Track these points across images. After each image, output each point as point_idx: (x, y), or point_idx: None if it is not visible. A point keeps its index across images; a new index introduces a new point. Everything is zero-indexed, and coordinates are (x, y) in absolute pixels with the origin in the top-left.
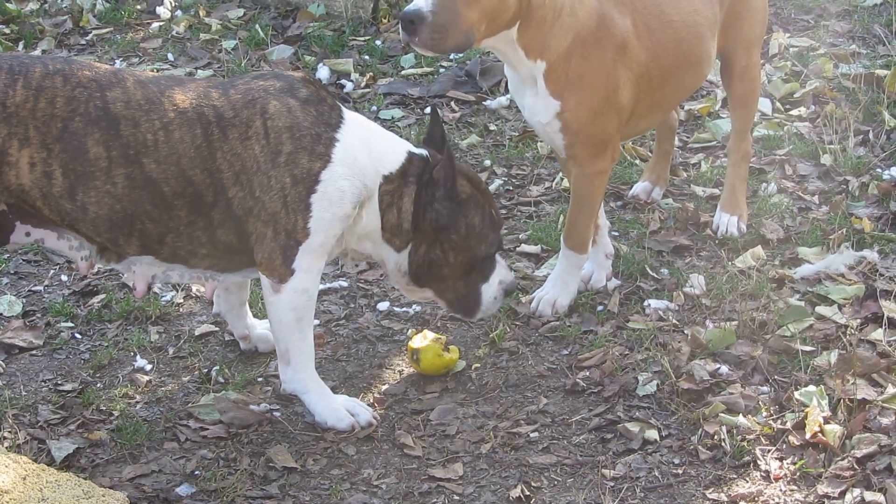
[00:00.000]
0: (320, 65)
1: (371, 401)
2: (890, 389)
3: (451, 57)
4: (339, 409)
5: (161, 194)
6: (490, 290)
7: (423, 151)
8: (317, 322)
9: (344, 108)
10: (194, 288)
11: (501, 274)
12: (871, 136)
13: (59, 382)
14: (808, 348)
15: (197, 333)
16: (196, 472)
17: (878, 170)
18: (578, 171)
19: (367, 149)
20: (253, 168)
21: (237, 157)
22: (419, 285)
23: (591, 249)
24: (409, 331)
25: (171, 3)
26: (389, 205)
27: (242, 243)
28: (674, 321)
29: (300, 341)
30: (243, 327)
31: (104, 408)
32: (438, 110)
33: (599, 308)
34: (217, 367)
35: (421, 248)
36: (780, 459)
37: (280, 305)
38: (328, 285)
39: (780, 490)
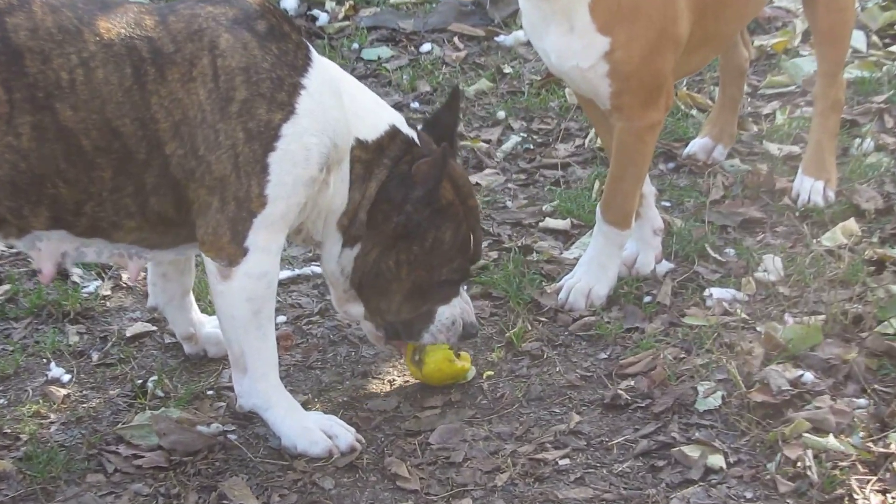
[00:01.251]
0: None
1: (354, 419)
2: None
3: None
4: (311, 430)
5: (79, 149)
6: (448, 311)
7: (412, 132)
8: (282, 319)
9: (312, 49)
10: (125, 276)
11: (462, 309)
12: None
13: None
14: None
15: (129, 334)
16: None
17: None
18: (625, 125)
19: (340, 101)
20: (197, 119)
21: (177, 103)
22: (358, 296)
23: (636, 224)
24: None
25: None
26: (360, 179)
27: (181, 214)
28: (743, 315)
29: (259, 342)
30: (187, 324)
31: (9, 430)
32: (441, 45)
33: (647, 299)
34: (155, 378)
35: (372, 252)
36: (883, 493)
37: (231, 296)
38: (296, 271)
39: None
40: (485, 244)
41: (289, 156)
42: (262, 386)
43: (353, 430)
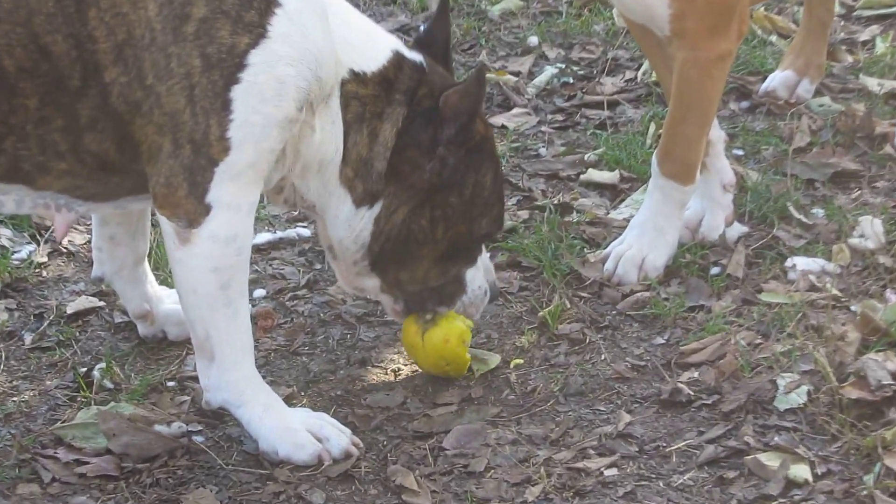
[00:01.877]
0: None
1: (349, 418)
2: None
3: None
4: (296, 432)
5: None
6: (478, 276)
7: (418, 56)
8: (260, 293)
9: None
10: (66, 240)
11: (485, 262)
12: None
13: None
14: None
15: (70, 311)
16: None
17: None
18: (688, 55)
19: (326, 25)
20: (144, 40)
21: (121, 19)
22: (374, 268)
23: (701, 177)
24: None
25: None
26: (359, 120)
27: (124, 158)
28: (834, 291)
29: (228, 323)
30: (141, 300)
31: None
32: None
33: (714, 271)
34: (102, 366)
35: (399, 212)
36: None
37: (192, 265)
38: (278, 234)
39: None
40: (514, 201)
41: (256, 90)
42: (233, 377)
43: (348, 431)
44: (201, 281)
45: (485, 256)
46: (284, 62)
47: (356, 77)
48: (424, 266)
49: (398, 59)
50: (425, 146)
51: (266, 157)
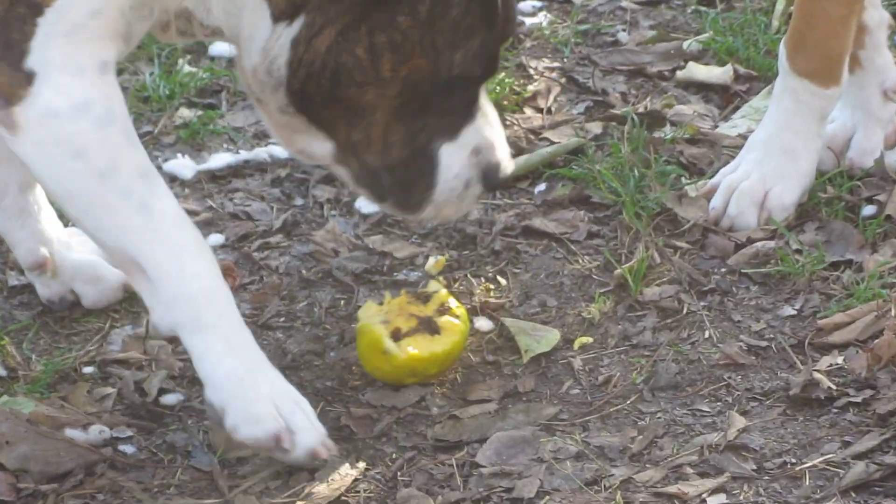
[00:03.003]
0: None
1: (343, 420)
2: None
3: None
4: (259, 400)
5: None
6: (456, 160)
7: None
8: (217, 239)
9: None
10: None
11: (480, 135)
12: None
13: None
14: None
15: None
16: None
17: None
18: None
19: None
20: None
21: None
22: (302, 111)
23: (851, 78)
24: (429, 260)
25: None
26: None
27: None
28: None
29: (140, 219)
30: (34, 242)
31: None
32: None
33: (868, 211)
34: None
35: (324, 32)
36: None
37: (43, 157)
38: (241, 155)
39: None
40: (580, 108)
41: None
42: (185, 288)
43: (322, 430)
44: (68, 176)
45: (486, 113)
46: None
47: None
48: (378, 121)
49: None
50: None
51: (116, 3)
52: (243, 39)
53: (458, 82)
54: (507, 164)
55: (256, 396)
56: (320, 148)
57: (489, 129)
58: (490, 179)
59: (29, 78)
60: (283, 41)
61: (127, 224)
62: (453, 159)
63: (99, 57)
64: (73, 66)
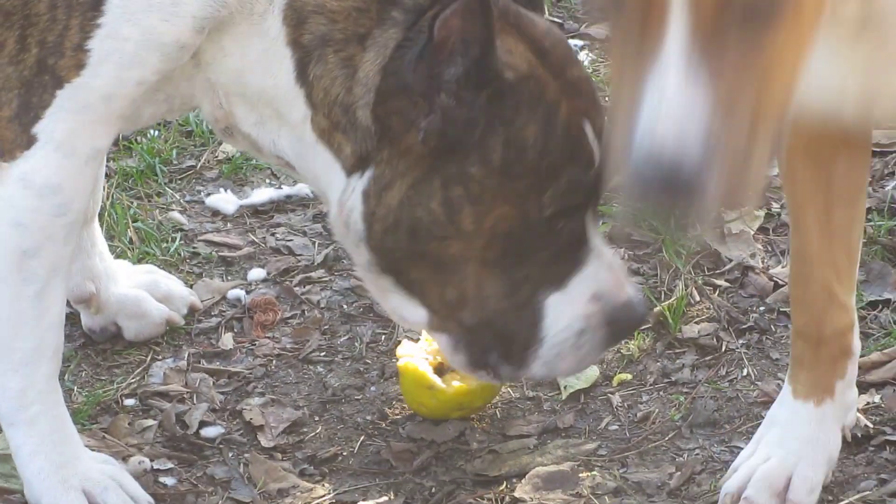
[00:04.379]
0: None
1: (383, 454)
2: None
3: None
4: (67, 490)
5: None
6: (568, 311)
7: None
8: (258, 274)
9: None
10: None
11: (599, 275)
12: None
13: None
14: None
15: None
16: None
17: None
18: None
19: None
20: None
21: None
22: (388, 272)
23: None
24: None
25: None
26: (322, 43)
27: None
28: None
29: (24, 305)
30: (84, 277)
31: None
32: None
33: None
34: None
35: (393, 188)
36: None
37: None
38: (284, 190)
39: None
40: None
41: None
42: (16, 383)
43: (145, 497)
44: None
45: (599, 251)
46: None
47: None
48: (470, 275)
49: None
50: (418, 91)
51: (129, 92)
52: (322, 188)
53: (557, 219)
54: (638, 300)
55: (66, 489)
56: (414, 314)
57: (605, 270)
58: (623, 321)
59: (30, 142)
60: (357, 193)
61: (13, 302)
62: (565, 307)
63: (94, 144)
64: (68, 148)
